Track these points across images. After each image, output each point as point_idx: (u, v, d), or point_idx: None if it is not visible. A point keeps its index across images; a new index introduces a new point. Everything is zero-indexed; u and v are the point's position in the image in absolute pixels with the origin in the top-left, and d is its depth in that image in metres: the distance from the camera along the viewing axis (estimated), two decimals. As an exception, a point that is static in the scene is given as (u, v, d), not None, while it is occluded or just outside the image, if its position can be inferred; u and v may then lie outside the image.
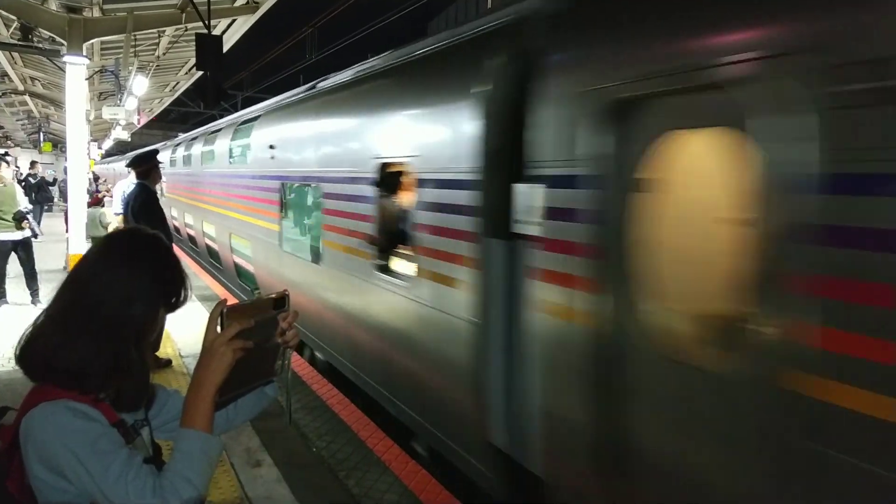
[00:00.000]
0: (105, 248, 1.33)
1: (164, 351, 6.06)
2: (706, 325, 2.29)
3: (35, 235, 8.07)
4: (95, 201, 10.18)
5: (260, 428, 4.36)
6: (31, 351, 1.24)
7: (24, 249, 7.91)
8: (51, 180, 21.04)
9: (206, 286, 9.81)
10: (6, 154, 8.70)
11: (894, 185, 1.57)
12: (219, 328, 1.23)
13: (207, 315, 1.27)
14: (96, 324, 1.23)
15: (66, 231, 9.45)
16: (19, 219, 7.65)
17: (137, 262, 1.29)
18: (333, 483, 3.79)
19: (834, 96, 1.66)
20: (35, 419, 1.14)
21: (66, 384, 1.19)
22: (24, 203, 7.88)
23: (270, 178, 6.81)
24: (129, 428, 1.25)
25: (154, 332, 1.34)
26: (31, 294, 7.88)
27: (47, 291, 7.93)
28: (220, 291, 9.53)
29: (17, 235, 7.77)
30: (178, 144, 15.28)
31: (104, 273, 1.26)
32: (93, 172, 17.05)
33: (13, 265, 7.98)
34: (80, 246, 8.51)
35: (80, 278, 1.28)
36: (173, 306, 1.34)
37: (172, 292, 1.33)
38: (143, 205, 5.56)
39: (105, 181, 17.29)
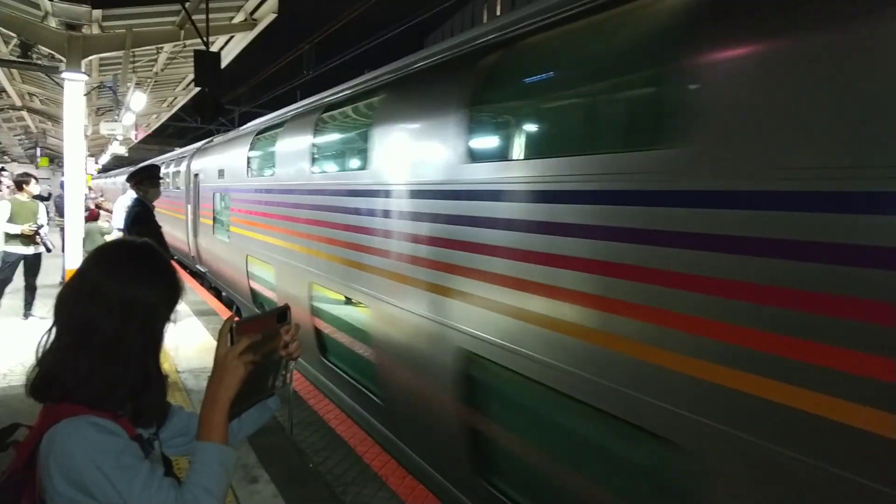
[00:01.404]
0: (108, 265, 1.28)
1: (161, 366, 6.02)
2: None
3: (48, 249, 8.21)
4: (93, 216, 10.20)
5: (257, 444, 4.33)
6: (53, 384, 1.21)
7: (33, 263, 8.02)
8: (45, 195, 21.04)
9: (202, 301, 9.78)
10: (3, 169, 8.80)
11: None
12: (228, 343, 1.27)
13: (203, 329, 1.29)
14: (122, 346, 1.23)
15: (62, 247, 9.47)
16: (31, 234, 7.77)
17: (146, 275, 1.28)
18: (330, 498, 3.76)
19: None
20: (59, 436, 1.14)
21: (90, 404, 1.19)
22: (43, 219, 8.03)
23: None
24: (146, 442, 1.27)
25: (163, 342, 1.36)
26: (25, 307, 7.93)
27: (44, 306, 7.97)
28: (216, 306, 9.50)
29: (30, 250, 7.91)
30: (264, 132, 7.85)
31: (117, 292, 1.23)
32: (88, 187, 16.98)
33: (17, 279, 8.03)
34: (77, 261, 8.52)
35: (90, 300, 1.23)
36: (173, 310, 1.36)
37: (177, 299, 1.34)
38: (136, 218, 5.58)
39: (102, 195, 17.11)
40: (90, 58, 9.20)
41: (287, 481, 3.90)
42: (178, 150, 15.45)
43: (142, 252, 1.33)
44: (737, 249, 1.98)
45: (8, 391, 5.08)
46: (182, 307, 9.69)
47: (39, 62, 9.59)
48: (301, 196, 5.89)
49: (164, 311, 1.30)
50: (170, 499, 1.14)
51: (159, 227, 5.82)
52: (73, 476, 1.12)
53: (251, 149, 8.12)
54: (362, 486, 3.91)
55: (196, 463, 1.21)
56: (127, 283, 1.24)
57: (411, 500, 3.79)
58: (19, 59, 9.47)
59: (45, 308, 7.84)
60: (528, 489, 3.24)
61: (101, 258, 1.30)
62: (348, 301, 5.15)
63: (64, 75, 8.53)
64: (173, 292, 1.32)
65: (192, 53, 7.82)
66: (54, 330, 1.26)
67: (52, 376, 1.22)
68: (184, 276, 11.95)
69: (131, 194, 6.18)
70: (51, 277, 9.65)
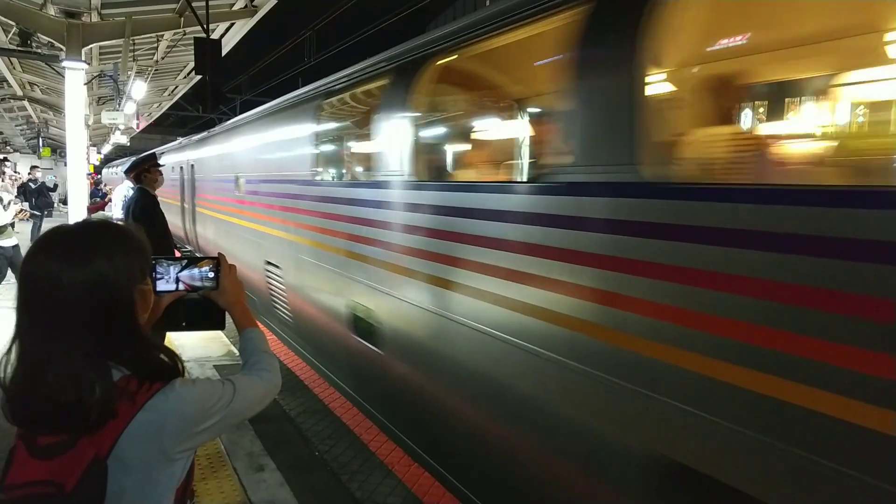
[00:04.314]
0: (72, 254, 1.15)
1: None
2: None
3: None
4: (100, 206, 10.20)
5: (262, 432, 4.34)
6: (88, 409, 1.09)
7: (16, 254, 7.93)
8: (51, 185, 21.04)
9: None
10: (5, 159, 8.75)
11: None
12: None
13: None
14: (114, 331, 1.17)
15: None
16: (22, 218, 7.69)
17: (110, 251, 1.18)
18: (336, 487, 3.77)
19: None
20: (169, 402, 1.17)
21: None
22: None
23: None
24: None
25: (147, 311, 1.29)
26: None
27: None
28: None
29: (10, 242, 7.82)
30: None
31: (85, 287, 1.13)
32: (97, 177, 16.82)
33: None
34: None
35: (72, 294, 1.12)
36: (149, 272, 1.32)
37: (147, 263, 1.29)
38: (144, 209, 5.54)
39: (111, 189, 17.05)
40: (90, 46, 9.15)
41: (293, 469, 3.91)
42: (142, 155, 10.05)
43: (98, 230, 1.23)
44: None
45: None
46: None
47: (39, 51, 9.54)
48: None
49: (135, 279, 1.22)
50: (262, 374, 1.42)
51: (165, 217, 5.81)
52: (189, 430, 1.20)
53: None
54: (368, 474, 3.93)
55: (251, 342, 1.50)
56: (91, 267, 1.14)
57: (417, 487, 3.80)
58: (19, 48, 9.41)
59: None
60: None
61: (56, 252, 1.15)
62: None
63: (64, 64, 8.49)
64: (138, 257, 1.24)
65: (192, 41, 7.77)
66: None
67: (77, 401, 1.08)
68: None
69: (128, 183, 6.15)
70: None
